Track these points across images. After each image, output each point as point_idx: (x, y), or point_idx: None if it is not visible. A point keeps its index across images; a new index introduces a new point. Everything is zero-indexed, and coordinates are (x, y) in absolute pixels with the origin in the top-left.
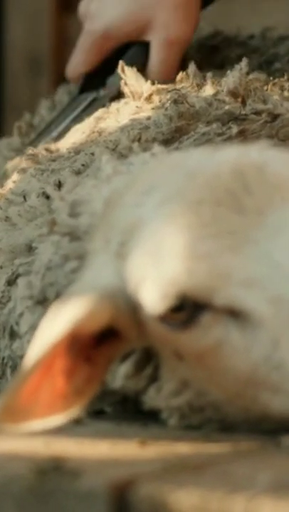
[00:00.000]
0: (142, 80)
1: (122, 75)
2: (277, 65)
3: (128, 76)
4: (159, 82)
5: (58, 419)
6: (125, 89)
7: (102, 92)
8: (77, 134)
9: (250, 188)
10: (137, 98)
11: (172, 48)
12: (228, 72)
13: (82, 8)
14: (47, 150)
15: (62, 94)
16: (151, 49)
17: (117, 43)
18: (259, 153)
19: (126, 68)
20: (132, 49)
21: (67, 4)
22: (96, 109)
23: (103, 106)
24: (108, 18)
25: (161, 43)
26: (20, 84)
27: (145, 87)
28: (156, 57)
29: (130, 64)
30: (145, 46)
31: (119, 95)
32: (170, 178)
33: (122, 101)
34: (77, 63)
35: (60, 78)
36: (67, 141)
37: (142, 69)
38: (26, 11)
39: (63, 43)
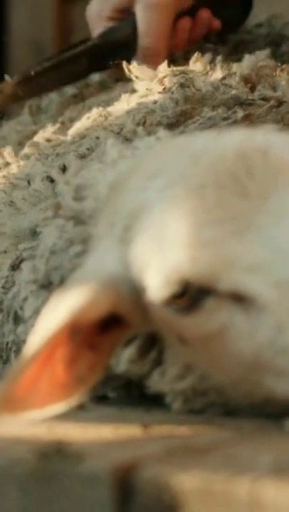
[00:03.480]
0: (147, 69)
1: (129, 74)
2: (284, 48)
3: (134, 72)
4: (149, 49)
5: (57, 408)
6: (138, 85)
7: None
8: (83, 120)
9: (253, 171)
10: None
11: (156, 12)
12: (246, 55)
13: None
14: (48, 140)
15: None
16: (137, 18)
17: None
18: (263, 137)
19: (130, 67)
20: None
21: None
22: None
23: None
24: None
25: (144, 7)
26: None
27: (161, 67)
28: (141, 23)
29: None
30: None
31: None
32: (175, 162)
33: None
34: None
35: None
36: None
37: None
38: None
39: (66, 30)
